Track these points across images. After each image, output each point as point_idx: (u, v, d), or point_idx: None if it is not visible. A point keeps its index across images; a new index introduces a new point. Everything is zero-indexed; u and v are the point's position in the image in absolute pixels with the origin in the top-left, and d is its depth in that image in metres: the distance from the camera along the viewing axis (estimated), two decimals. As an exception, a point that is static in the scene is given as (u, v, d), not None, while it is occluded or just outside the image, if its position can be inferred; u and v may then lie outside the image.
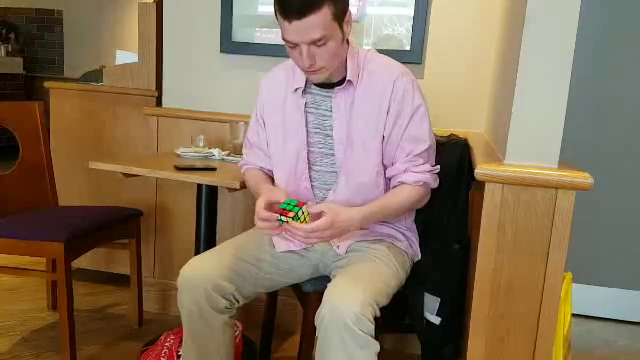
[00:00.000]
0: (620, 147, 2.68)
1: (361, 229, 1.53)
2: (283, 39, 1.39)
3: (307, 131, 1.55)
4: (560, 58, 1.29)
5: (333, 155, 1.54)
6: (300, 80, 1.53)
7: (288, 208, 1.37)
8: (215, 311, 1.46)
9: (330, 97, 1.52)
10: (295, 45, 1.38)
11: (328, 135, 1.54)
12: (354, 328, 1.25)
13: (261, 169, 1.68)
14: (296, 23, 1.33)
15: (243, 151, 1.74)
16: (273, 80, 1.62)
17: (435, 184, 1.55)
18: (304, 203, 1.40)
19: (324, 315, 1.30)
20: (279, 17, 1.37)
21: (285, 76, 1.58)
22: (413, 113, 1.49)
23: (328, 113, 1.53)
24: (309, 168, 1.56)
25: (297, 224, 1.35)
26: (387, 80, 1.48)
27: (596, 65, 2.65)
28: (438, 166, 1.55)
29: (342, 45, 1.43)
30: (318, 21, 1.33)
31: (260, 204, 1.41)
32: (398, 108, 1.48)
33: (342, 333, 1.26)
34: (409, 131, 1.49)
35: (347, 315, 1.25)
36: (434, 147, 1.56)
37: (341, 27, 1.40)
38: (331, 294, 1.32)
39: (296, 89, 1.54)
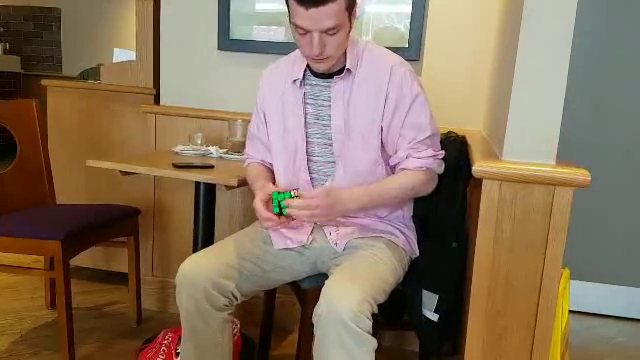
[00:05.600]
0: (620, 146, 2.69)
1: (362, 210, 1.53)
2: (294, 24, 1.39)
3: (306, 122, 1.56)
4: (557, 55, 1.29)
5: (331, 145, 1.54)
6: (298, 72, 1.54)
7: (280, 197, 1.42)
8: (214, 309, 1.46)
9: (329, 86, 1.53)
10: (306, 32, 1.38)
11: (326, 125, 1.54)
12: (351, 325, 1.25)
13: (262, 162, 1.69)
14: (313, 10, 1.33)
15: (246, 143, 1.76)
16: (273, 73, 1.64)
17: (440, 169, 1.55)
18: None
19: (321, 312, 1.30)
20: (294, 3, 1.36)
21: (285, 69, 1.59)
22: (412, 101, 1.50)
23: (326, 103, 1.54)
24: (308, 159, 1.57)
25: (291, 200, 1.39)
26: (384, 69, 1.50)
27: (596, 65, 2.65)
28: (443, 151, 1.55)
29: (348, 37, 1.46)
30: (334, 10, 1.34)
31: (259, 204, 1.44)
32: (397, 97, 1.49)
33: (340, 330, 1.26)
34: (409, 119, 1.50)
35: (344, 312, 1.25)
36: (438, 135, 1.56)
37: (350, 18, 1.42)
38: (328, 291, 1.31)
39: (294, 80, 1.55)
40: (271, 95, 1.61)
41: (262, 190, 1.47)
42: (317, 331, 1.32)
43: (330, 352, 1.29)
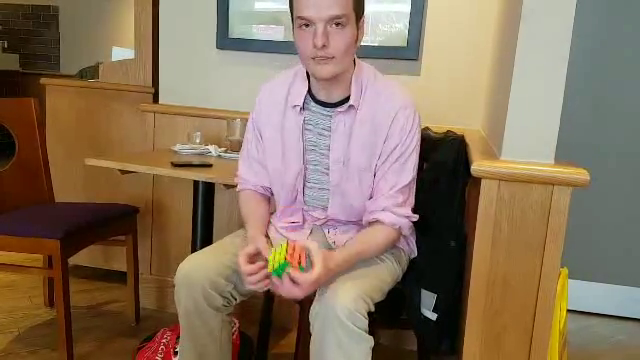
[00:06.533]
0: (619, 146, 2.69)
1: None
2: (298, 18, 1.35)
3: (304, 149, 1.52)
4: (556, 54, 1.29)
5: (327, 175, 1.52)
6: (298, 97, 1.50)
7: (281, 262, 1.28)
8: (212, 309, 1.45)
9: (330, 116, 1.49)
10: (310, 24, 1.34)
11: (324, 154, 1.51)
12: (347, 323, 1.25)
13: (255, 192, 1.63)
14: None
15: (239, 164, 1.67)
16: (271, 94, 1.57)
17: (406, 233, 1.53)
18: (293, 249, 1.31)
19: (317, 311, 1.30)
20: None
21: (284, 91, 1.54)
22: (407, 147, 1.46)
23: (326, 132, 1.50)
24: (304, 185, 1.55)
25: (298, 274, 1.27)
26: (389, 111, 1.45)
27: (595, 64, 2.66)
28: (417, 215, 1.52)
29: (354, 46, 1.41)
30: None
31: (242, 259, 1.36)
32: (395, 142, 1.46)
33: (336, 329, 1.26)
34: (398, 163, 1.47)
35: (340, 311, 1.25)
36: (414, 181, 1.52)
37: (357, 24, 1.39)
38: (324, 290, 1.32)
39: (294, 106, 1.50)
40: (269, 117, 1.56)
41: (252, 244, 1.40)
42: (314, 329, 1.32)
43: (327, 350, 1.28)
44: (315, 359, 1.33)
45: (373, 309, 1.34)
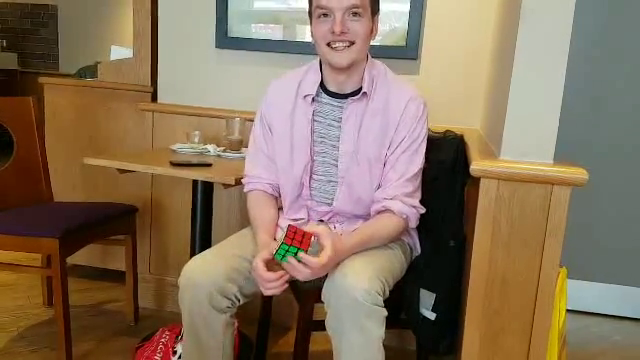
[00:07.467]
0: (618, 145, 2.69)
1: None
2: (317, 7, 1.40)
3: (312, 140, 1.54)
4: (555, 54, 1.29)
5: (336, 166, 1.53)
6: (310, 88, 1.52)
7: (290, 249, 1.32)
8: (217, 311, 1.44)
9: (341, 107, 1.51)
10: (329, 14, 1.39)
11: (333, 146, 1.53)
12: (364, 303, 1.27)
13: (264, 192, 1.62)
14: None
15: (246, 163, 1.66)
16: (282, 87, 1.59)
17: (413, 225, 1.55)
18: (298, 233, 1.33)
19: (332, 293, 1.31)
20: None
21: (295, 84, 1.56)
22: (416, 137, 1.50)
23: (336, 123, 1.52)
24: (310, 178, 1.56)
25: (306, 256, 1.30)
26: (400, 101, 1.49)
27: (594, 64, 2.66)
28: (424, 208, 1.54)
29: (370, 38, 1.46)
30: None
31: (260, 265, 1.36)
32: (406, 132, 1.49)
33: (353, 309, 1.27)
34: (408, 153, 1.50)
35: (356, 291, 1.27)
36: (421, 171, 1.55)
37: (372, 20, 1.44)
38: (339, 272, 1.33)
39: (305, 96, 1.52)
40: (280, 110, 1.57)
41: (266, 249, 1.39)
42: (329, 310, 1.33)
43: (345, 329, 1.29)
44: (334, 335, 1.34)
45: (388, 293, 1.36)
